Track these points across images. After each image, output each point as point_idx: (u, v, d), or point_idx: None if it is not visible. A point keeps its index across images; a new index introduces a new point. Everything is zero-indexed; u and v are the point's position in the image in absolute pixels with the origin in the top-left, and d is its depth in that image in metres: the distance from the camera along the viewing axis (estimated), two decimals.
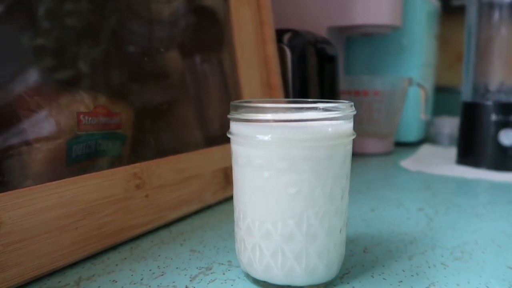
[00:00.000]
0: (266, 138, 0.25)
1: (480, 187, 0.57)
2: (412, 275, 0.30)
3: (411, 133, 0.90)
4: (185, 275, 0.30)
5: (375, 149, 0.81)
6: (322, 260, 0.27)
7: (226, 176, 0.46)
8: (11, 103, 0.29)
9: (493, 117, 0.63)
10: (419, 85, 0.81)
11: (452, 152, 0.79)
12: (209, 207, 0.45)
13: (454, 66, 1.15)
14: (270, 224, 0.26)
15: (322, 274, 0.27)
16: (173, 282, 0.29)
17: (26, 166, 0.30)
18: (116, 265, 0.32)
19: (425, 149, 0.86)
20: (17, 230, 0.27)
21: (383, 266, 0.32)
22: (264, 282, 0.28)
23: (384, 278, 0.30)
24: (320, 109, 0.26)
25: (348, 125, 0.27)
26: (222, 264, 0.32)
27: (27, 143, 0.30)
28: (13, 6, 0.30)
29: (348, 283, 0.29)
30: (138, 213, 0.36)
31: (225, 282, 0.29)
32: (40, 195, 0.29)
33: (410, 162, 0.72)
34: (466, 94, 0.66)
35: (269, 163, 0.26)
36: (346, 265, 0.32)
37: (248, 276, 0.29)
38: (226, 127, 0.30)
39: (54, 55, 0.32)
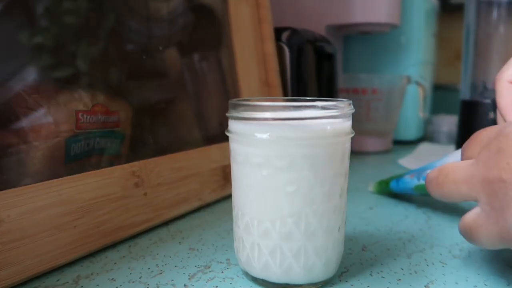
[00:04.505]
0: (265, 136, 0.25)
1: None
2: (410, 273, 0.30)
3: (410, 131, 0.90)
4: (184, 273, 0.30)
5: (373, 147, 0.81)
6: (321, 258, 0.27)
7: (224, 174, 0.46)
8: (10, 101, 0.29)
9: (492, 115, 0.63)
10: (418, 83, 0.81)
11: (451, 150, 0.79)
12: (207, 205, 0.45)
13: (452, 64, 1.16)
14: (268, 223, 0.26)
15: (321, 272, 0.27)
16: (172, 280, 0.29)
17: (24, 164, 0.30)
18: (115, 263, 0.32)
19: (424, 147, 0.86)
20: (15, 228, 0.27)
21: (382, 264, 0.32)
22: (263, 280, 0.28)
23: (382, 276, 0.30)
24: (318, 107, 0.26)
25: (347, 123, 0.27)
26: (221, 262, 0.32)
27: (26, 141, 0.30)
28: (11, 4, 0.30)
29: (346, 281, 0.29)
30: (137, 212, 0.36)
31: (224, 281, 0.29)
32: (39, 194, 0.29)
33: (409, 160, 0.72)
34: (465, 92, 0.66)
35: (268, 161, 0.26)
36: (345, 263, 0.32)
37: (246, 274, 0.29)
38: (224, 125, 0.30)
39: (53, 53, 0.32)
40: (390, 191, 0.48)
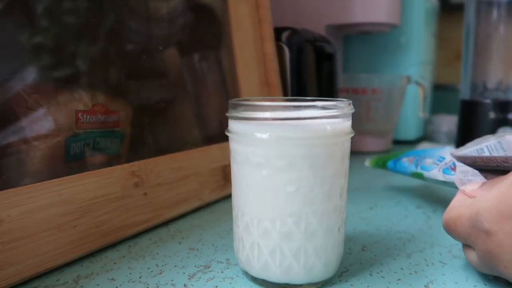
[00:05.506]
0: (265, 136, 0.25)
1: None
2: (410, 273, 0.30)
3: (410, 131, 0.90)
4: (184, 273, 0.30)
5: (373, 147, 0.81)
6: (321, 258, 0.27)
7: (224, 174, 0.46)
8: (10, 101, 0.29)
9: (491, 115, 0.63)
10: (418, 83, 0.81)
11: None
12: (207, 205, 0.45)
13: (452, 64, 1.16)
14: (268, 222, 0.26)
15: (321, 272, 0.27)
16: (172, 280, 0.29)
17: (24, 164, 0.30)
18: (115, 263, 0.32)
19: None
20: (15, 228, 0.27)
21: (382, 264, 0.32)
22: (263, 280, 0.28)
23: (382, 276, 0.30)
24: (318, 107, 0.26)
25: (347, 123, 0.27)
26: (221, 262, 0.32)
27: (26, 141, 0.30)
28: (11, 4, 0.30)
29: (346, 281, 0.29)
30: (137, 211, 0.36)
31: (224, 280, 0.29)
32: (39, 193, 0.29)
33: None
34: (464, 92, 0.66)
35: (268, 161, 0.26)
36: (345, 263, 0.32)
37: (246, 274, 0.29)
38: (224, 125, 0.30)
39: (53, 53, 0.32)
40: (386, 169, 0.49)
